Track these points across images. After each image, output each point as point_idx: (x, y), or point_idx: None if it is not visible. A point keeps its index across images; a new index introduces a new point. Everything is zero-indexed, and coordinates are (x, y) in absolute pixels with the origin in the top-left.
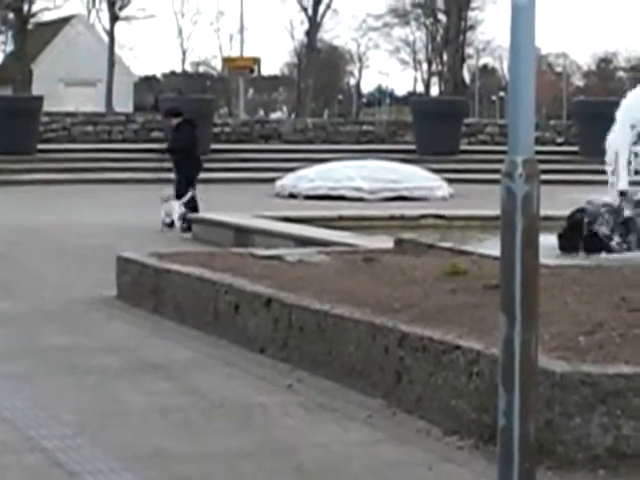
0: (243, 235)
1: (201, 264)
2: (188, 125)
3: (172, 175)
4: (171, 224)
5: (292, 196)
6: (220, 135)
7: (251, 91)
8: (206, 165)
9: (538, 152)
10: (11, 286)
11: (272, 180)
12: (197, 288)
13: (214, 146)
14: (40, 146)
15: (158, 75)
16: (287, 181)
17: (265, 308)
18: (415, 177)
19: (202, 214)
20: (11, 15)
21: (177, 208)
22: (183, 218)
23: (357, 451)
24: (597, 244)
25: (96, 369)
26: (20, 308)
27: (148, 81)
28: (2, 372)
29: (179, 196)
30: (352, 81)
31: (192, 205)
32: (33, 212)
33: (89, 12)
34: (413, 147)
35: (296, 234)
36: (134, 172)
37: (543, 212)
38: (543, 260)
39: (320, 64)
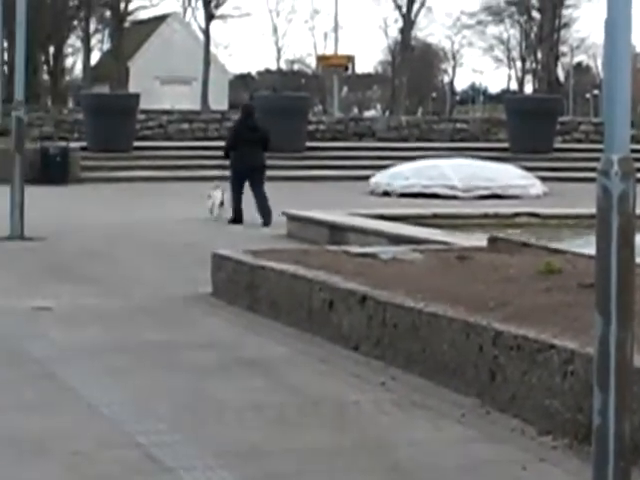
0: (337, 233)
1: (295, 261)
2: (236, 123)
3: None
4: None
5: (386, 194)
6: (315, 133)
7: (345, 89)
8: (301, 163)
9: (634, 150)
10: (110, 283)
11: (366, 178)
12: (291, 285)
13: (309, 144)
14: (136, 143)
15: (253, 73)
16: (381, 179)
17: (359, 305)
18: (509, 175)
19: (297, 211)
20: (108, 13)
21: (218, 196)
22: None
23: (451, 449)
24: None
25: (192, 365)
26: (119, 304)
27: (243, 79)
28: (101, 367)
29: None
30: (446, 79)
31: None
32: (129, 209)
33: (185, 10)
34: (507, 145)
35: (390, 232)
36: (230, 170)
37: (639, 211)
38: None
39: (414, 62)
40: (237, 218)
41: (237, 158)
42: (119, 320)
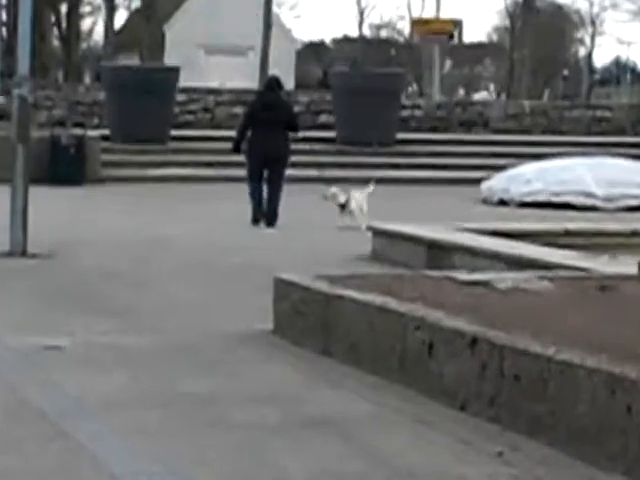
0: (438, 253)
1: (384, 290)
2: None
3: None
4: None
5: (502, 202)
6: (409, 121)
7: (448, 64)
8: (389, 160)
9: None
10: (137, 314)
11: (477, 181)
12: (378, 322)
13: (400, 135)
14: (173, 132)
15: (327, 41)
16: (496, 183)
17: (468, 350)
18: None
19: (384, 224)
20: None
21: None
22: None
23: None
24: None
25: (246, 424)
26: (148, 343)
27: (315, 49)
28: (127, 426)
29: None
30: (582, 51)
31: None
32: (164, 218)
33: None
34: None
35: (508, 253)
36: (296, 169)
37: None
38: None
39: (540, 29)
40: (255, 217)
41: (251, 144)
42: (150, 364)
